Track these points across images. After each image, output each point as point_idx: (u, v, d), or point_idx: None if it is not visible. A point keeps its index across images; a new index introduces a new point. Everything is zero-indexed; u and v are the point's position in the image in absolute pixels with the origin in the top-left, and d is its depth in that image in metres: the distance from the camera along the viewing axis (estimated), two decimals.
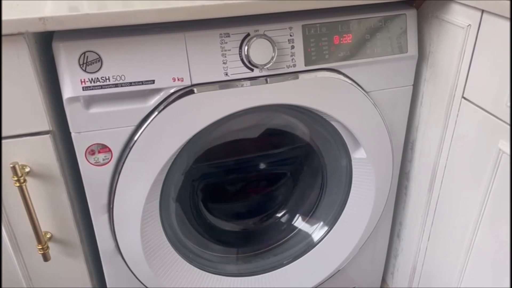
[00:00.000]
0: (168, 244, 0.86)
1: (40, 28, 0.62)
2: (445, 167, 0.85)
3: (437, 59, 0.82)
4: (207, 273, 0.94)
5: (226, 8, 0.67)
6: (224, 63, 0.73)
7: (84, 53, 0.67)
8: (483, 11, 0.69)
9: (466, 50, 0.74)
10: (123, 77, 0.69)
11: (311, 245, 1.01)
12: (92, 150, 0.73)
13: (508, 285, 0.72)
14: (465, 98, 0.77)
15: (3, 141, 0.70)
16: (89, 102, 0.70)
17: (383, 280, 1.17)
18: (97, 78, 0.68)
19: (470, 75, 0.75)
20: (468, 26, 0.73)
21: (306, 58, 0.77)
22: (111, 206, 0.78)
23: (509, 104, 0.66)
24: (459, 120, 0.79)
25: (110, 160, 0.75)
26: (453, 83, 0.78)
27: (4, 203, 0.74)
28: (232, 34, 0.72)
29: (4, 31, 0.61)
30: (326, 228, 1.00)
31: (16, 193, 0.71)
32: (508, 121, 0.67)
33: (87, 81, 0.68)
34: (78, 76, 0.67)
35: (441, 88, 0.82)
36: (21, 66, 0.65)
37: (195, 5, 0.66)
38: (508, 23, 0.65)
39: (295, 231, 1.04)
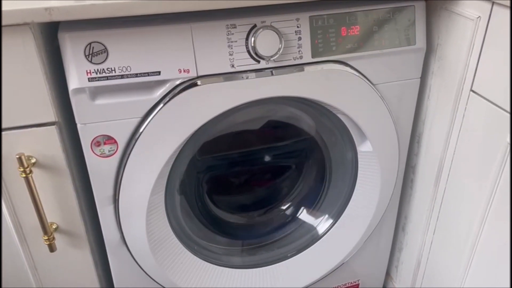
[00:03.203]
0: (173, 236, 0.87)
1: (46, 18, 0.61)
2: (451, 161, 0.84)
3: (446, 52, 0.81)
4: (212, 265, 0.94)
5: None
6: (230, 54, 0.72)
7: (90, 44, 0.66)
8: (493, 2, 0.68)
9: (476, 43, 0.73)
10: (128, 68, 0.69)
11: (315, 237, 1.01)
12: (97, 142, 0.73)
13: None
14: (473, 91, 0.76)
15: (9, 132, 0.70)
16: (95, 93, 0.70)
17: (387, 273, 1.17)
18: (103, 69, 0.68)
19: (479, 68, 0.74)
20: (477, 18, 0.72)
21: (313, 50, 0.76)
22: (117, 197, 0.78)
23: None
24: (467, 114, 0.78)
25: (115, 152, 0.75)
26: (462, 76, 0.77)
27: (10, 194, 0.74)
28: (238, 25, 0.72)
29: (9, 21, 0.61)
30: (331, 221, 1.00)
31: (22, 184, 0.71)
32: None
33: (92, 72, 0.68)
34: (83, 67, 0.67)
35: (449, 81, 0.81)
36: (27, 56, 0.65)
37: None
38: None
39: (300, 224, 1.04)
